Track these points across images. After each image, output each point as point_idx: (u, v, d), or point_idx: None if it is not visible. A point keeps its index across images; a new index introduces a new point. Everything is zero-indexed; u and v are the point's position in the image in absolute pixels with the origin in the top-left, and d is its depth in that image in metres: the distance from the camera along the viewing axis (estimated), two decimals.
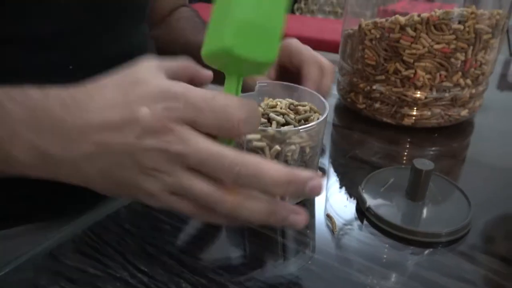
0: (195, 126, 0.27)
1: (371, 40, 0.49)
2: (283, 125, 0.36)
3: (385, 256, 0.34)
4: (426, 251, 0.34)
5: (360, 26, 0.50)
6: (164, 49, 0.66)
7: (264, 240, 0.35)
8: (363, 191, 0.38)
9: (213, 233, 0.36)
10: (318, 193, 0.27)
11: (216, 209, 0.27)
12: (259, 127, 0.33)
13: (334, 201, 0.40)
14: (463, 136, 0.53)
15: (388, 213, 0.36)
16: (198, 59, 0.58)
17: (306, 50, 0.47)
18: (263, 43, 0.26)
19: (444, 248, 0.34)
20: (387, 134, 0.52)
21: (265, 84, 0.42)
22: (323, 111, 0.37)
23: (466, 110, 0.52)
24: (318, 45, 2.11)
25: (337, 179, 0.43)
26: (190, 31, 0.60)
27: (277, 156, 0.34)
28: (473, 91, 0.50)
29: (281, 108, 0.38)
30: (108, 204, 0.40)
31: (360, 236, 0.35)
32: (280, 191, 0.27)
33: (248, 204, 0.27)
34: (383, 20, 0.47)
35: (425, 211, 0.37)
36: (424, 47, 0.46)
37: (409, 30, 0.46)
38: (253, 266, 0.33)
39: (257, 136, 0.33)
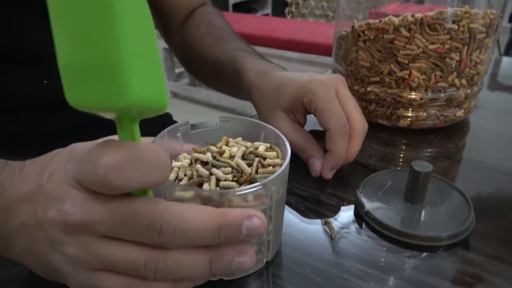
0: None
1: (364, 41, 0.49)
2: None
3: (384, 261, 0.33)
4: (427, 255, 0.33)
5: (353, 27, 0.49)
6: (184, 59, 0.65)
7: None
8: (361, 195, 0.38)
9: None
10: (259, 233, 0.23)
11: (149, 276, 0.23)
12: (192, 186, 0.28)
13: (331, 206, 0.39)
14: (459, 137, 0.53)
15: (387, 217, 0.35)
16: (216, 74, 0.56)
17: (334, 110, 0.38)
18: (106, 84, 0.19)
19: (445, 252, 0.33)
20: (383, 136, 0.52)
21: (227, 119, 0.35)
22: (285, 158, 0.29)
23: (462, 111, 0.51)
24: (309, 48, 2.11)
25: (334, 183, 0.42)
26: (207, 42, 0.57)
27: None
28: (468, 91, 0.50)
29: (230, 157, 0.30)
30: None
31: (359, 241, 0.35)
32: (211, 241, 0.23)
33: (182, 260, 0.23)
34: (377, 21, 0.47)
35: (424, 214, 0.36)
36: (418, 47, 0.45)
37: (403, 30, 0.45)
38: (251, 273, 0.32)
39: (189, 194, 0.26)
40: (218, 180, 0.28)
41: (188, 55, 0.62)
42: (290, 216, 0.37)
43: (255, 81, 0.45)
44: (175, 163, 0.30)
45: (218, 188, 0.28)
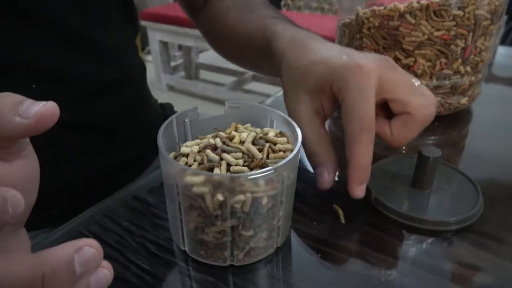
0: None
1: (369, 28, 0.48)
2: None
3: (394, 246, 0.33)
4: (436, 240, 0.33)
5: (357, 14, 0.49)
6: (210, 37, 0.59)
7: None
8: (368, 181, 0.37)
9: None
10: (97, 263, 0.19)
11: None
12: (203, 171, 0.27)
13: (339, 192, 0.39)
14: (462, 124, 0.53)
15: (395, 202, 0.35)
16: (243, 48, 0.49)
17: (359, 109, 0.32)
18: None
19: (454, 236, 0.33)
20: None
21: (237, 105, 0.35)
22: (296, 144, 0.29)
23: (466, 98, 0.51)
24: None
25: (341, 170, 0.42)
26: (233, 14, 0.51)
27: (221, 207, 0.27)
28: (473, 78, 0.50)
29: (240, 143, 0.30)
30: (103, 203, 0.39)
31: (368, 226, 0.35)
32: None
33: None
34: (382, 7, 0.47)
35: (432, 199, 0.36)
36: (424, 34, 0.45)
37: (408, 17, 0.45)
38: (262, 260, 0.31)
39: (199, 179, 0.26)
40: (228, 165, 0.28)
41: (213, 31, 0.57)
42: (299, 202, 0.37)
43: (287, 52, 0.38)
44: (184, 149, 0.30)
45: (229, 173, 0.28)
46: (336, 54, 0.34)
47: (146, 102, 0.58)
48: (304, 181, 0.40)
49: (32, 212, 0.22)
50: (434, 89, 0.49)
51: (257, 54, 0.46)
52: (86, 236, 0.34)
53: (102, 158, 0.50)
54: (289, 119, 0.32)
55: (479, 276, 0.30)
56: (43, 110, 0.19)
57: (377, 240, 0.33)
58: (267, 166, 0.28)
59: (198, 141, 0.31)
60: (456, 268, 0.31)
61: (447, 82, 0.49)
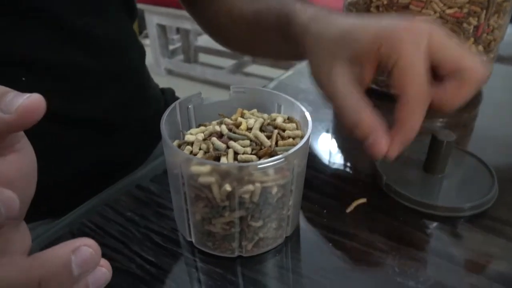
0: None
1: (377, 7, 0.46)
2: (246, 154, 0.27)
3: (406, 233, 0.32)
4: (449, 226, 0.32)
5: None
6: (213, 26, 0.55)
7: None
8: (379, 166, 0.36)
9: None
10: (96, 263, 0.18)
11: None
12: (209, 160, 0.26)
13: (349, 179, 0.38)
14: (472, 105, 0.51)
15: (407, 188, 0.34)
16: (254, 31, 0.46)
17: (417, 71, 0.29)
18: None
19: (468, 222, 0.32)
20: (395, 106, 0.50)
21: (242, 90, 0.33)
22: (306, 131, 0.28)
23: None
24: None
25: (350, 156, 0.41)
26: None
27: (229, 197, 0.26)
28: (485, 58, 0.48)
29: (247, 129, 0.29)
30: (105, 193, 0.38)
31: (379, 213, 0.33)
32: None
33: None
34: None
35: (445, 184, 0.35)
36: (435, 12, 0.43)
37: None
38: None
39: (206, 168, 0.25)
40: (236, 153, 0.27)
41: (218, 19, 0.54)
42: (308, 189, 0.36)
43: (312, 24, 0.35)
44: (188, 137, 0.28)
45: (236, 162, 0.26)
46: (375, 19, 0.32)
47: (147, 89, 0.56)
48: (313, 168, 0.39)
49: (32, 205, 0.21)
50: None
51: (269, 35, 0.43)
52: (89, 228, 0.33)
53: (105, 151, 0.48)
54: (298, 103, 0.30)
55: (494, 263, 0.29)
56: (27, 104, 0.17)
57: (389, 228, 0.32)
58: (276, 154, 0.27)
59: (203, 128, 0.30)
60: (470, 255, 0.30)
61: None
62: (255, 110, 0.32)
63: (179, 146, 0.29)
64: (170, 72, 2.70)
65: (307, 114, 0.29)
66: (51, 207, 0.45)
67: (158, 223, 0.33)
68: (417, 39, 0.29)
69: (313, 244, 0.31)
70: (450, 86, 0.30)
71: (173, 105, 0.30)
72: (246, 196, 0.25)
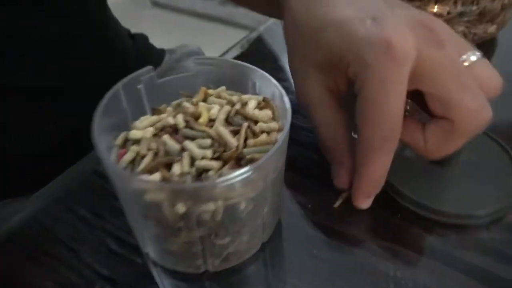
0: None
1: None
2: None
3: (405, 232, 0.27)
4: (459, 231, 0.27)
5: None
6: None
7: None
8: None
9: None
10: None
11: None
12: (156, 166, 0.20)
13: None
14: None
15: (409, 186, 0.27)
16: None
17: (380, 108, 0.22)
18: None
19: (489, 226, 0.27)
20: None
21: (207, 61, 0.26)
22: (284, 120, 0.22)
23: (494, 26, 0.42)
24: None
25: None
26: None
27: (184, 218, 0.20)
28: (506, 0, 0.40)
29: (207, 125, 0.22)
30: (58, 181, 0.32)
31: (374, 208, 0.28)
32: None
33: None
34: None
35: (457, 180, 0.28)
36: None
37: None
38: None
39: (150, 186, 0.19)
40: (193, 158, 0.21)
41: None
42: (291, 172, 0.30)
43: (293, 8, 0.27)
44: (134, 133, 0.22)
45: (193, 169, 0.21)
46: (357, 14, 0.24)
47: (111, 41, 0.48)
48: (298, 143, 0.33)
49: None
50: (458, 17, 0.39)
51: None
52: (30, 229, 0.28)
53: (69, 122, 0.43)
54: (276, 83, 0.24)
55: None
56: None
57: (385, 225, 0.27)
58: (245, 158, 0.21)
59: (154, 119, 0.23)
60: (481, 262, 0.25)
61: (474, 7, 0.39)
62: (223, 89, 0.25)
63: (125, 142, 0.23)
64: (156, 4, 2.51)
65: (287, 101, 0.22)
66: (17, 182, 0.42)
67: (115, 223, 0.28)
68: (392, 68, 0.21)
69: (297, 246, 0.26)
70: (432, 133, 0.24)
71: (114, 88, 0.23)
72: (206, 215, 0.20)
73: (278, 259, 0.26)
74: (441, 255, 0.25)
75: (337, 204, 0.28)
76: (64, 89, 0.42)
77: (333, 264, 0.25)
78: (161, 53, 0.58)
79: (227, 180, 0.19)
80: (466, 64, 0.23)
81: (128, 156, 0.22)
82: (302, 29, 0.26)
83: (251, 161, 0.21)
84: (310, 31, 0.25)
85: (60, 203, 0.30)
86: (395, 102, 0.22)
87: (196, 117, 0.22)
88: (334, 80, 0.25)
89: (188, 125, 0.22)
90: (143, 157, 0.22)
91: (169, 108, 0.24)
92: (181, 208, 0.19)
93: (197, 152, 0.20)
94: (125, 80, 0.24)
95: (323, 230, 0.27)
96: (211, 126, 0.22)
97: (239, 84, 0.26)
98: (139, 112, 0.26)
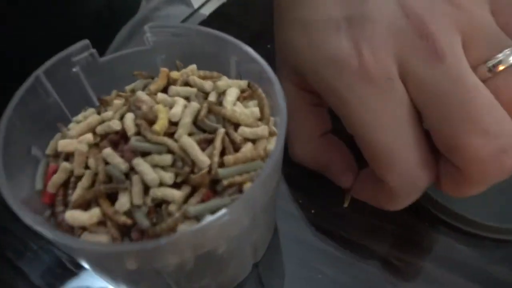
0: None
1: None
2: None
3: (417, 241, 0.22)
4: (500, 246, 0.21)
5: None
6: None
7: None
8: None
9: None
10: None
11: None
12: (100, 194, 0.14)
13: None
14: None
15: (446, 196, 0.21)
16: None
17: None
18: None
19: None
20: None
21: (171, 29, 0.18)
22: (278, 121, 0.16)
23: None
24: None
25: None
26: None
27: (141, 273, 0.15)
28: None
29: (166, 132, 0.15)
30: None
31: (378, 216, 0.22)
32: None
33: None
34: None
35: (499, 186, 0.22)
36: None
37: None
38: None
39: (77, 245, 0.13)
40: (146, 185, 0.14)
41: None
42: (287, 166, 0.24)
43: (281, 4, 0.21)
44: (63, 143, 0.16)
45: (148, 199, 0.14)
46: (332, 36, 0.17)
47: None
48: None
49: None
50: None
51: None
52: None
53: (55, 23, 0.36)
54: (265, 63, 0.17)
55: None
56: None
57: (408, 235, 0.22)
58: (221, 182, 0.14)
59: (94, 119, 0.16)
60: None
61: None
62: (193, 68, 0.18)
63: (54, 156, 0.17)
64: None
65: (280, 95, 0.15)
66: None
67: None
68: (365, 90, 0.16)
69: (297, 259, 0.21)
70: (442, 176, 0.17)
71: (31, 77, 0.16)
72: (169, 268, 0.14)
73: (273, 276, 0.21)
74: (476, 272, 0.20)
75: (346, 204, 0.23)
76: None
77: (334, 275, 0.20)
78: None
79: (193, 232, 0.12)
80: (492, 70, 0.15)
81: (57, 178, 0.15)
82: (280, 37, 0.21)
83: (230, 186, 0.14)
84: (284, 42, 0.20)
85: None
86: (382, 128, 0.16)
87: (150, 122, 0.15)
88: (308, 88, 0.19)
89: (140, 132, 0.15)
90: (79, 178, 0.15)
91: (117, 102, 0.17)
92: (131, 265, 0.13)
93: (151, 176, 0.14)
94: (48, 63, 0.17)
95: (328, 239, 0.22)
96: (173, 133, 0.15)
97: (218, 61, 0.18)
98: (84, 103, 0.19)
